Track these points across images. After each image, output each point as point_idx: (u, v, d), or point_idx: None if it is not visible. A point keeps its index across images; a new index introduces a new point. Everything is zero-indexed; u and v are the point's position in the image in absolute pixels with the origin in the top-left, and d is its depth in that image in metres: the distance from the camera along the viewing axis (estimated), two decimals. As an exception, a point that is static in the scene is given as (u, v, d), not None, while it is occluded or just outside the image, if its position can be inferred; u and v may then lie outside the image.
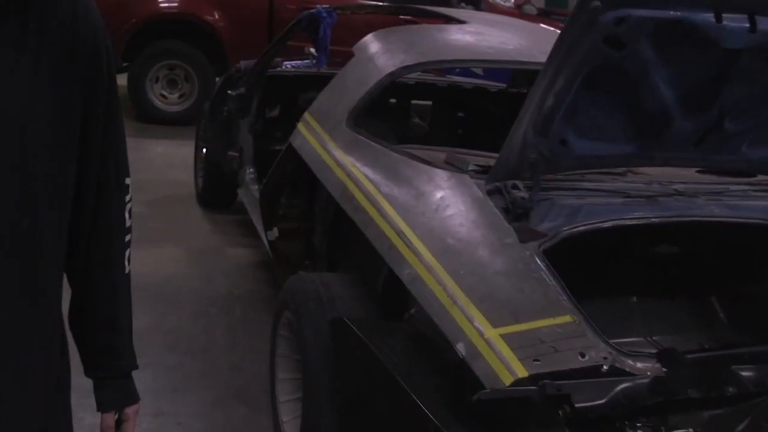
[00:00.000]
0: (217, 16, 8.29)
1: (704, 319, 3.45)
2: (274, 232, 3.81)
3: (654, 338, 3.33)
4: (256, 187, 4.78)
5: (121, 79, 8.52)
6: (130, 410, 1.59)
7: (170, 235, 5.40)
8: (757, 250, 3.20)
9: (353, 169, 2.99)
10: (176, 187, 6.43)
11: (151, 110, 8.37)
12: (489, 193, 2.61)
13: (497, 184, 2.61)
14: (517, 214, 2.53)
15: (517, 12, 9.38)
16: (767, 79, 2.67)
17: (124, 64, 8.36)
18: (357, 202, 2.83)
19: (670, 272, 3.42)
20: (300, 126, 3.60)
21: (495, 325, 2.13)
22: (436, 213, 2.58)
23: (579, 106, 2.52)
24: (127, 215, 1.62)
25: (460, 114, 5.57)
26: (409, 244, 2.48)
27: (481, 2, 8.89)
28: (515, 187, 2.58)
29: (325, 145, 3.27)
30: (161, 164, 7.02)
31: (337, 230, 3.38)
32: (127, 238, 1.67)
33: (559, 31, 7.49)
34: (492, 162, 2.91)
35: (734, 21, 2.42)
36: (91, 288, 1.59)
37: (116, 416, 1.57)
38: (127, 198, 1.61)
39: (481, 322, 2.14)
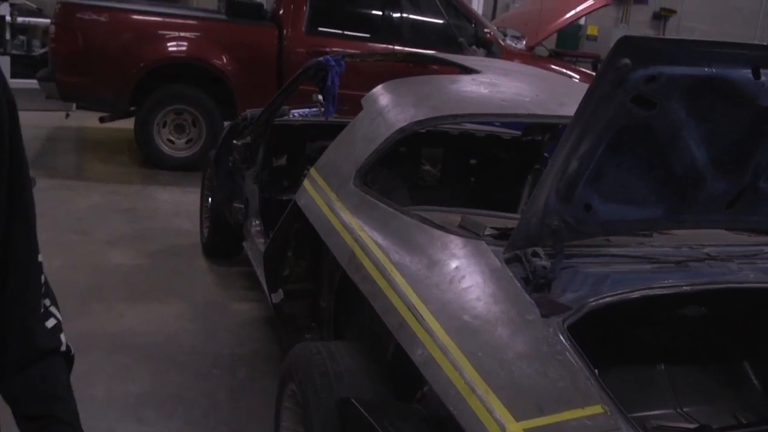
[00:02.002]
0: (225, 60, 8.18)
1: (737, 387, 3.25)
2: (279, 294, 3.62)
3: (684, 410, 3.13)
4: (262, 240, 4.61)
5: (129, 124, 8.45)
6: None
7: (173, 289, 5.22)
8: None
9: (361, 233, 2.80)
10: (181, 236, 6.27)
11: (158, 155, 8.26)
12: (507, 261, 2.42)
13: (516, 251, 2.42)
14: (538, 284, 2.35)
15: (529, 54, 9.22)
16: None
17: (132, 109, 8.27)
18: (365, 271, 2.64)
19: (698, 335, 3.23)
20: (306, 183, 3.41)
21: (518, 417, 1.92)
22: (450, 285, 2.38)
23: (604, 169, 2.33)
24: (46, 302, 1.42)
25: (472, 161, 5.40)
26: (421, 321, 2.28)
27: (492, 45, 8.75)
28: (536, 254, 2.39)
29: (331, 205, 3.09)
30: (166, 212, 6.87)
31: (345, 293, 3.18)
32: (52, 324, 1.45)
33: (573, 76, 7.39)
34: (508, 223, 2.74)
35: None
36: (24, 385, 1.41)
37: None
38: (42, 279, 1.42)
39: (502, 414, 1.93)
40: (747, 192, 2.59)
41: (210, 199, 5.78)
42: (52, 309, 1.49)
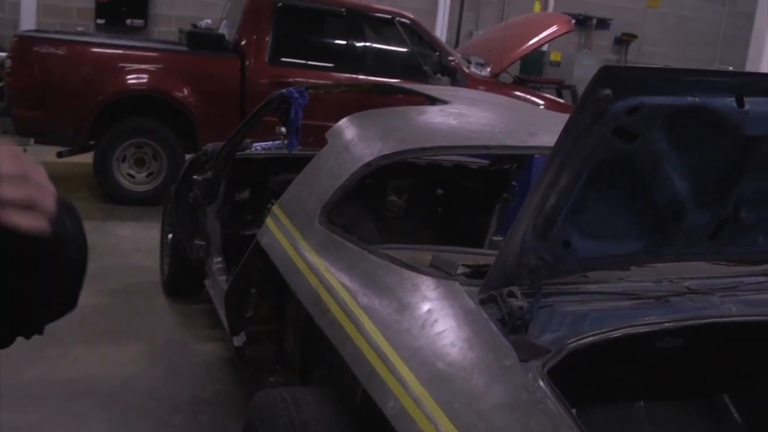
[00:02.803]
0: (186, 92, 8.03)
1: (717, 421, 3.15)
2: (242, 337, 3.46)
3: None
4: (225, 278, 4.46)
5: (88, 158, 8.25)
6: None
7: (132, 330, 5.03)
8: None
9: (327, 274, 2.65)
10: (141, 273, 6.08)
11: (118, 190, 8.05)
12: (482, 302, 2.29)
13: (492, 292, 2.29)
14: (515, 325, 2.21)
15: (493, 81, 9.18)
16: None
17: (91, 143, 8.08)
18: (332, 316, 2.49)
19: (676, 368, 3.13)
20: (268, 221, 3.27)
21: (499, 475, 1.79)
22: (423, 330, 2.24)
23: (584, 204, 2.22)
24: None
25: (439, 191, 5.29)
26: (392, 370, 2.14)
27: (457, 73, 8.69)
28: (512, 294, 2.25)
29: (295, 244, 2.94)
30: (126, 249, 6.67)
31: (311, 335, 3.03)
32: None
33: (538, 102, 7.35)
34: (480, 260, 2.61)
35: (757, 105, 2.15)
36: None
37: None
38: None
39: None
40: (728, 223, 2.49)
41: (170, 235, 5.61)
42: None
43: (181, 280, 5.50)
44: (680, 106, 2.08)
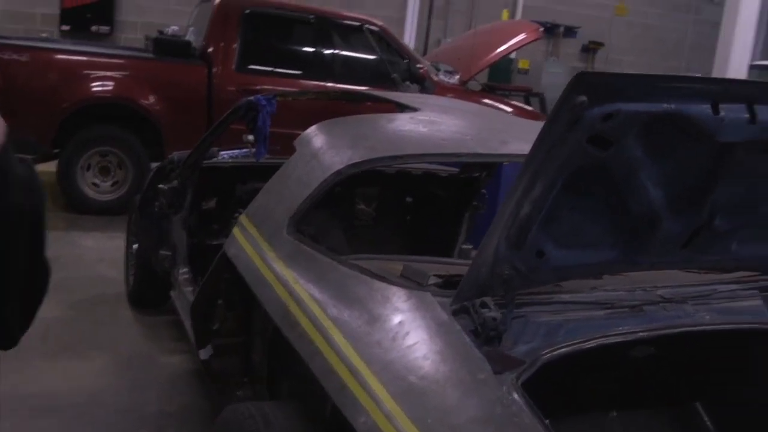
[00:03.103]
0: (152, 100, 7.92)
1: (690, 429, 3.13)
2: (208, 350, 3.38)
3: None
4: (191, 289, 4.37)
5: (51, 167, 8.10)
6: None
7: (97, 342, 4.92)
8: (749, 353, 2.91)
9: (296, 286, 2.59)
10: (105, 285, 5.96)
11: (82, 200, 7.92)
12: (455, 313, 2.24)
13: (464, 302, 2.24)
14: (488, 337, 2.17)
15: (462, 88, 9.17)
16: (762, 172, 2.38)
17: (54, 151, 7.94)
18: (301, 329, 2.43)
19: (649, 377, 3.10)
20: (235, 231, 3.20)
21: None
22: (394, 342, 2.19)
23: (558, 212, 2.18)
24: None
25: (408, 199, 5.25)
26: (364, 385, 2.08)
27: (426, 80, 8.66)
28: (485, 305, 2.21)
29: (263, 255, 2.87)
30: (90, 259, 6.56)
31: (279, 347, 2.97)
32: None
33: (506, 110, 7.32)
34: (452, 269, 2.57)
35: (732, 112, 2.12)
36: None
37: None
38: None
39: None
40: (703, 231, 2.46)
41: (135, 246, 5.51)
42: None
43: (147, 291, 5.40)
44: (656, 113, 2.05)
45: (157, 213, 4.90)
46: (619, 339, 2.28)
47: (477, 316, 2.18)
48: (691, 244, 2.48)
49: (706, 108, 2.09)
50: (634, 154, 2.14)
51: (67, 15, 12.89)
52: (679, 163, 2.24)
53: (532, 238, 2.18)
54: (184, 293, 4.36)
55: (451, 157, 3.19)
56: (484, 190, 5.06)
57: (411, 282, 2.43)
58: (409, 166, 4.79)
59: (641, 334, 2.34)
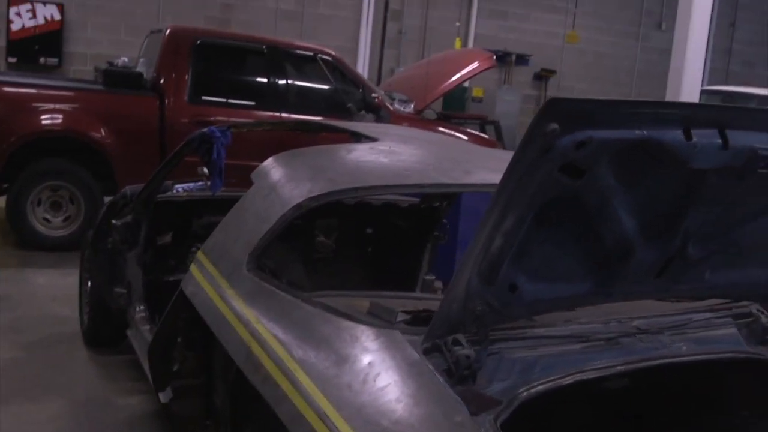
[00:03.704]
0: (103, 133, 7.76)
1: None
2: (168, 393, 3.26)
3: None
4: (148, 327, 4.24)
5: (0, 202, 7.90)
6: None
7: (51, 385, 4.74)
8: (725, 382, 2.87)
9: (258, 326, 2.48)
10: (59, 324, 5.77)
11: (33, 236, 7.70)
12: (426, 352, 2.16)
13: (436, 340, 2.16)
14: (462, 376, 2.09)
15: (417, 117, 9.14)
16: (734, 198, 2.34)
17: (3, 186, 7.75)
18: (265, 371, 2.32)
19: (624, 407, 3.04)
20: (193, 268, 3.08)
21: None
22: (365, 385, 2.09)
23: (530, 245, 2.11)
24: None
25: (369, 230, 5.16)
26: (334, 431, 1.98)
27: (381, 109, 8.61)
28: (457, 342, 2.13)
29: (222, 294, 2.76)
30: (43, 297, 6.35)
31: (243, 388, 2.85)
32: None
33: (462, 137, 7.27)
34: (419, 305, 2.48)
35: (704, 137, 2.08)
36: None
37: None
38: None
39: None
40: (675, 259, 2.42)
41: (90, 283, 5.35)
42: None
43: (102, 330, 5.24)
44: (628, 140, 1.99)
45: (111, 249, 4.76)
46: (597, 374, 2.22)
47: (450, 355, 2.11)
48: (664, 273, 2.43)
49: (678, 134, 2.04)
50: (606, 183, 2.08)
51: (14, 47, 12.70)
52: (652, 191, 2.19)
53: (504, 272, 2.11)
54: (141, 332, 4.23)
55: (414, 188, 3.12)
56: (445, 220, 5.00)
57: (379, 320, 2.35)
58: (369, 197, 4.71)
59: (619, 368, 2.28)
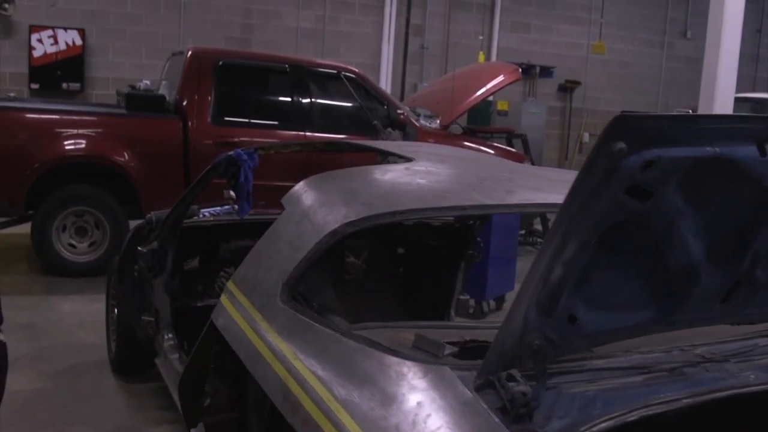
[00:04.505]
0: (127, 157, 7.69)
1: None
2: (200, 429, 3.11)
3: None
4: (177, 356, 4.11)
5: (25, 229, 7.82)
6: None
7: (78, 416, 4.62)
8: None
9: (296, 362, 2.33)
10: (86, 352, 5.66)
11: (59, 262, 7.63)
12: (478, 389, 2.00)
13: (489, 376, 2.00)
14: (518, 414, 1.93)
15: (444, 133, 9.01)
16: None
17: (28, 213, 7.67)
18: (305, 413, 2.17)
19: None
20: (223, 299, 2.93)
21: None
22: (414, 427, 1.93)
23: (591, 273, 1.95)
24: None
25: (400, 250, 5.02)
26: (383, 478, 1.83)
27: (407, 126, 8.48)
28: (511, 378, 1.97)
29: (256, 327, 2.61)
30: (70, 325, 6.25)
31: (278, 422, 2.70)
32: None
33: (489, 152, 7.09)
34: (465, 335, 2.33)
35: None
36: None
37: None
38: None
39: None
40: (742, 283, 2.25)
41: (116, 310, 5.23)
42: None
43: (130, 358, 5.12)
44: (699, 158, 1.84)
45: (137, 276, 4.64)
46: (663, 408, 2.04)
47: (504, 392, 1.95)
48: (731, 297, 2.26)
49: (752, 150, 1.88)
50: (674, 204, 1.92)
51: (36, 73, 12.68)
52: (721, 211, 2.03)
53: (564, 303, 1.96)
54: (170, 361, 4.10)
55: (455, 210, 2.93)
56: (479, 239, 4.84)
57: (425, 354, 2.19)
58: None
59: (685, 400, 2.10)
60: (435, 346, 2.21)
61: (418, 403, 2.01)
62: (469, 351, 2.19)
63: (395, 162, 7.31)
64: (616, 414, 1.99)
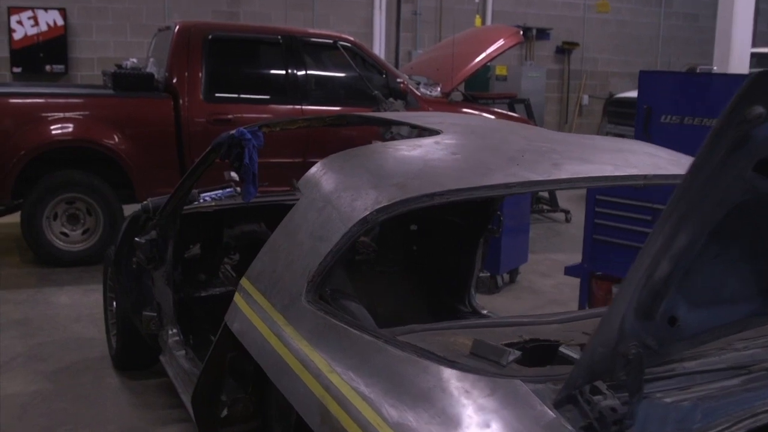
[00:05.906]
0: (117, 139, 7.32)
1: None
2: (218, 443, 2.79)
3: None
4: (183, 352, 3.79)
5: (14, 218, 7.46)
6: None
7: (80, 419, 4.31)
8: None
9: (332, 376, 1.98)
10: (85, 347, 5.34)
11: (51, 252, 7.30)
12: (557, 404, 1.67)
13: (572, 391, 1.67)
14: None
15: (445, 100, 8.67)
16: None
17: (17, 202, 7.32)
18: (352, 440, 1.83)
19: None
20: (238, 299, 2.58)
21: None
22: (488, 459, 1.61)
23: (699, 265, 1.61)
24: None
25: (413, 227, 4.68)
26: None
27: (408, 95, 8.14)
28: (596, 391, 1.64)
29: (279, 332, 2.26)
30: (66, 319, 5.93)
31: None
32: None
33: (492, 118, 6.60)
34: (523, 331, 2.00)
35: None
36: None
37: None
38: None
39: None
40: None
41: (115, 303, 4.89)
42: None
43: (132, 353, 4.80)
44: None
45: (136, 269, 4.31)
46: None
47: (590, 408, 1.62)
48: None
49: None
50: None
51: (17, 56, 12.28)
52: None
53: (667, 303, 1.62)
54: (175, 357, 3.79)
55: (500, 188, 2.55)
56: (499, 212, 4.50)
57: (487, 362, 1.86)
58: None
59: None
60: (497, 352, 1.88)
61: (490, 427, 1.67)
62: (534, 355, 1.86)
63: (399, 135, 6.94)
64: (720, 427, 1.67)
